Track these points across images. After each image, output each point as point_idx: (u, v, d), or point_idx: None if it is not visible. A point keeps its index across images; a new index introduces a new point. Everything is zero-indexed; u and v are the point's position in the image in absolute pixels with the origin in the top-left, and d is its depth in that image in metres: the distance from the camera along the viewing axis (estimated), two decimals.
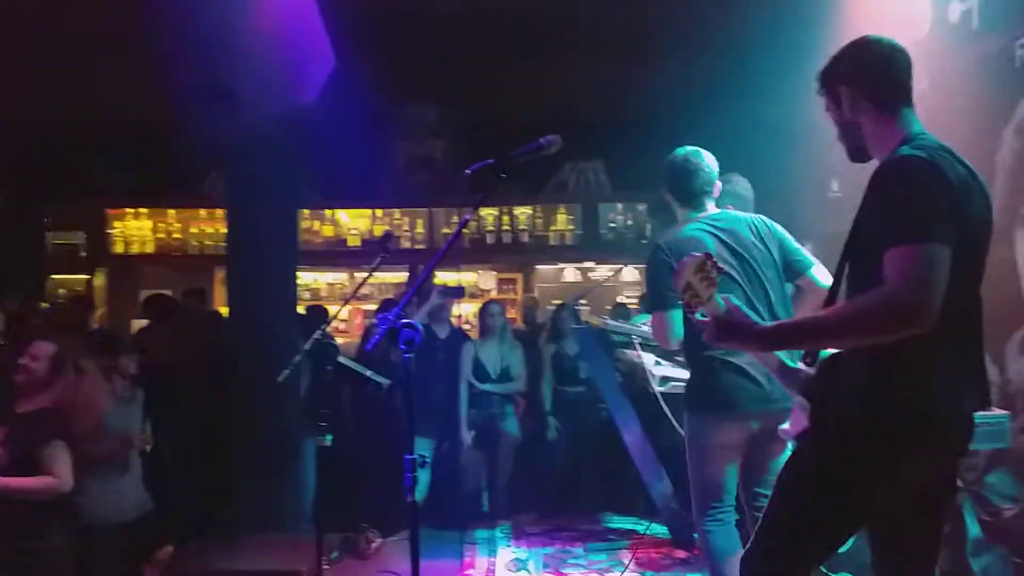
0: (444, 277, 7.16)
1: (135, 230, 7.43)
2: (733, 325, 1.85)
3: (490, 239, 7.37)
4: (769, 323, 1.88)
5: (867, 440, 1.84)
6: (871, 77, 1.98)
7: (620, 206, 7.45)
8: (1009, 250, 3.59)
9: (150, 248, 7.42)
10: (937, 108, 3.70)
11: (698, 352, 2.77)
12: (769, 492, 2.30)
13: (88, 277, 7.56)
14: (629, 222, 7.44)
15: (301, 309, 6.36)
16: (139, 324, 6.70)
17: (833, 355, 2.00)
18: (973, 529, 3.40)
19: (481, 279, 7.84)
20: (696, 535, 4.34)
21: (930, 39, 4.07)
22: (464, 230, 6.63)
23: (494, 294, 7.78)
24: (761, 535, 1.97)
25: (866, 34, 2.05)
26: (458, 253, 7.03)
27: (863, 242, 1.89)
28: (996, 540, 3.38)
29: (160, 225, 7.45)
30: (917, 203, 1.75)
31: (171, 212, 7.46)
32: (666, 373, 3.70)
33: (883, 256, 1.75)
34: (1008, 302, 3.57)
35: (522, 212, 7.41)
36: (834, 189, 4.61)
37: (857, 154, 2.02)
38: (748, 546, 2.00)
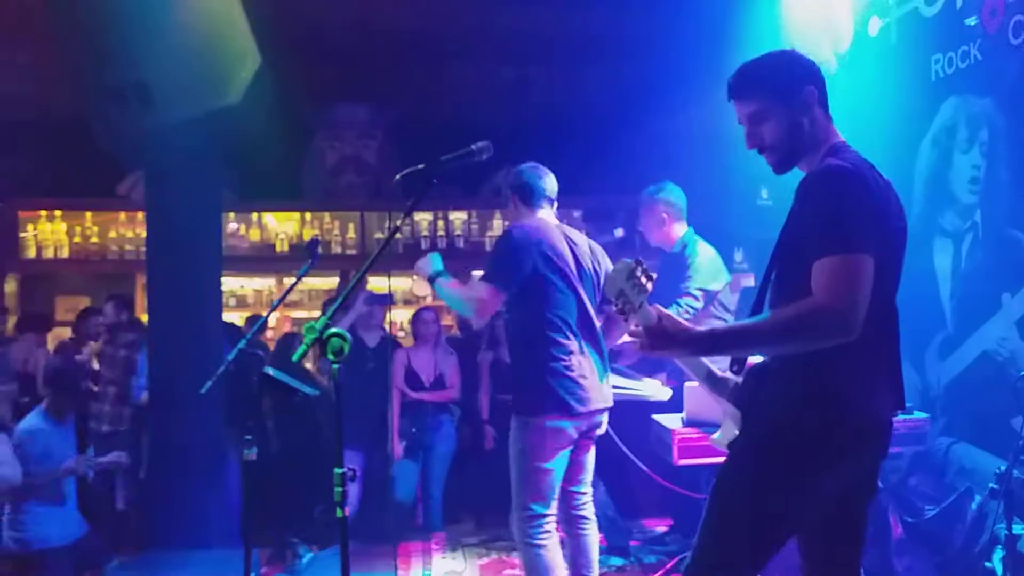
0: (378, 283, 7.03)
1: (49, 233, 7.06)
2: (666, 332, 1.83)
3: (425, 244, 7.27)
4: (701, 329, 1.87)
5: (794, 446, 1.87)
6: (824, 79, 2.02)
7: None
8: (928, 259, 3.72)
9: (65, 252, 7.06)
10: (856, 120, 3.83)
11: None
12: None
13: None
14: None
15: (237, 318, 6.18)
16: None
17: (760, 364, 2.03)
18: (896, 529, 3.50)
19: (416, 285, 7.72)
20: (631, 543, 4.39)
21: (851, 52, 4.20)
22: (397, 235, 6.55)
23: (429, 300, 7.68)
24: (701, 545, 1.98)
25: (782, 48, 2.09)
26: (392, 259, 6.92)
27: (790, 250, 1.92)
28: (918, 540, 3.50)
29: (76, 228, 7.09)
30: (844, 214, 1.79)
31: (88, 215, 7.11)
32: None
33: (810, 265, 1.79)
34: (927, 309, 3.71)
35: (457, 217, 7.34)
36: (763, 196, 4.71)
37: (788, 162, 2.02)
38: (691, 558, 2.00)
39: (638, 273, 1.81)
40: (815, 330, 1.76)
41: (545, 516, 2.90)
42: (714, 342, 1.86)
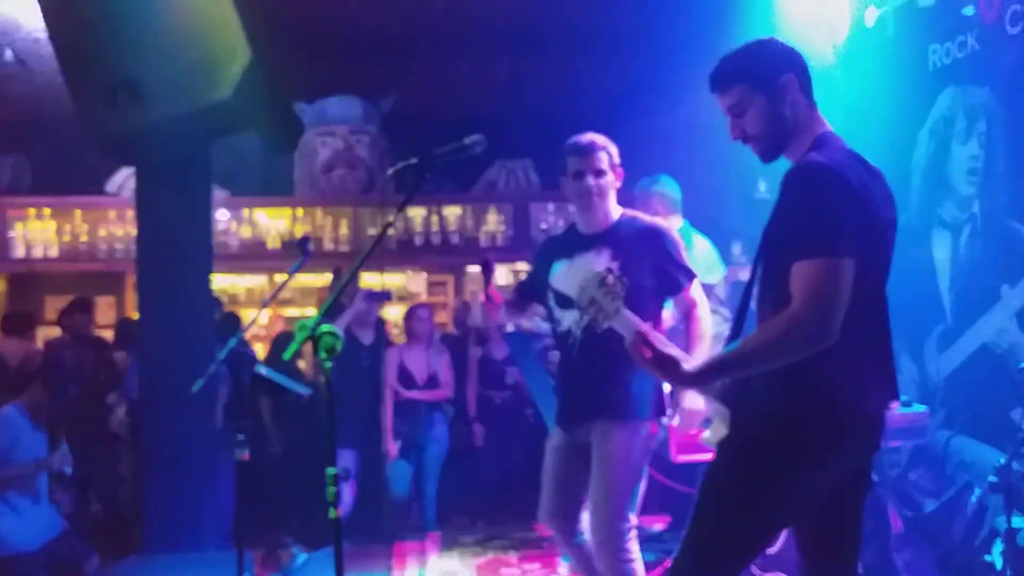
0: (371, 280, 6.99)
1: (37, 232, 6.99)
2: (665, 365, 1.89)
3: (418, 240, 7.23)
4: (694, 366, 1.92)
5: (781, 442, 1.88)
6: (806, 67, 2.01)
7: (551, 206, 7.39)
8: (927, 250, 3.71)
9: (54, 251, 7.00)
10: (854, 111, 3.81)
11: None
12: None
13: None
14: (561, 222, 7.38)
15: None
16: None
17: None
18: (896, 524, 3.49)
19: (410, 281, 7.68)
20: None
21: (848, 43, 4.18)
22: (391, 230, 6.51)
23: (424, 297, 7.64)
24: (689, 541, 1.97)
25: (762, 37, 2.08)
26: (385, 255, 6.88)
27: (774, 246, 1.93)
28: (918, 534, 3.49)
29: (65, 226, 7.03)
30: (822, 216, 1.79)
31: (77, 213, 7.05)
32: None
33: (789, 265, 1.80)
34: (926, 301, 3.69)
35: (451, 212, 7.29)
36: (761, 190, 4.70)
37: (774, 151, 2.01)
38: (677, 553, 1.99)
39: (609, 280, 1.89)
40: (795, 343, 1.78)
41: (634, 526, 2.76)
42: (709, 376, 1.92)
